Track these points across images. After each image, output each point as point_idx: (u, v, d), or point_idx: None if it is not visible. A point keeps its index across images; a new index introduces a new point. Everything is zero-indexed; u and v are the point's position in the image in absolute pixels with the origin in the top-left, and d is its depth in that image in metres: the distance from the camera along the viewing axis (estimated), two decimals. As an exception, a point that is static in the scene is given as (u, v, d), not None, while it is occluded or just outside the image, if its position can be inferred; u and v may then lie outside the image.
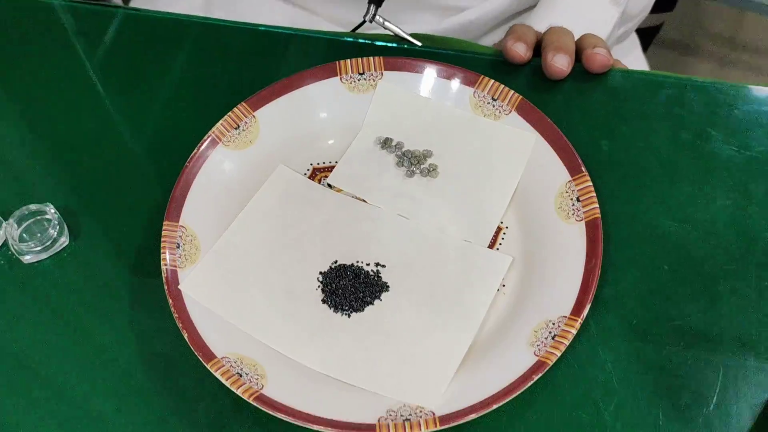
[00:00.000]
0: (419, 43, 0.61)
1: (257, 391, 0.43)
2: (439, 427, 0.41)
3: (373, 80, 0.56)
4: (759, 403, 0.45)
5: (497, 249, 0.51)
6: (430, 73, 0.55)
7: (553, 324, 0.45)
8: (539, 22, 0.67)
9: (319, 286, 0.49)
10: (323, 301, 0.48)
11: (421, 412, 0.43)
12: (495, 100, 0.54)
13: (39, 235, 0.51)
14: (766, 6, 1.37)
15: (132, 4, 0.82)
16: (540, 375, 0.43)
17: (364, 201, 0.53)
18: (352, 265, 0.50)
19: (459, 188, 0.53)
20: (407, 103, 0.56)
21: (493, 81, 0.54)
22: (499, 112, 0.54)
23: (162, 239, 0.48)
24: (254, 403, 0.42)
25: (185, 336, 0.44)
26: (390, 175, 0.54)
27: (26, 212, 0.52)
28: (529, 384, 0.42)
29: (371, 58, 0.56)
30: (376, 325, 0.47)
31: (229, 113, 0.53)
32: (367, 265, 0.50)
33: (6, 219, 0.52)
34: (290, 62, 0.61)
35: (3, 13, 0.66)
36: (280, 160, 0.54)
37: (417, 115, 0.55)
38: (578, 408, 0.45)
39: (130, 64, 0.62)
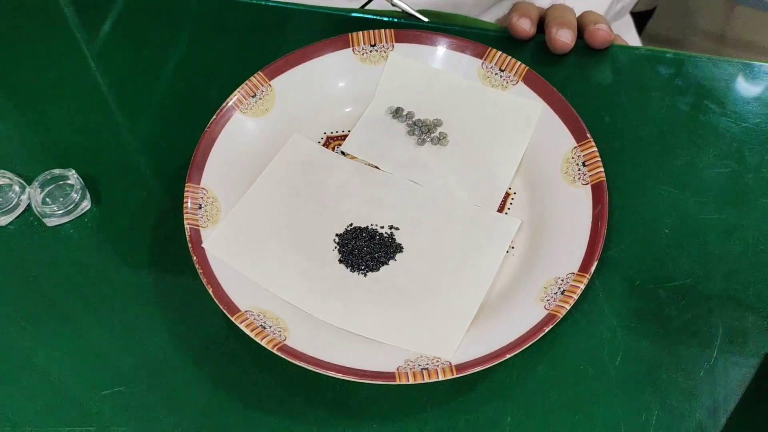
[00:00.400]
0: (426, 19, 0.63)
1: (281, 342, 0.44)
2: (455, 375, 0.43)
3: (385, 52, 0.58)
4: (757, 357, 0.47)
5: (506, 213, 0.53)
6: (440, 45, 0.57)
7: (562, 280, 0.47)
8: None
9: (335, 248, 0.51)
10: (340, 261, 0.50)
11: (437, 361, 0.45)
12: (502, 71, 0.56)
13: (62, 199, 0.52)
14: (753, -2, 1.40)
15: None
16: (551, 327, 0.45)
17: (376, 168, 0.55)
18: (367, 227, 0.52)
19: (468, 156, 0.55)
20: (417, 74, 0.58)
21: (500, 53, 0.56)
22: (507, 82, 0.56)
23: (185, 200, 0.49)
24: (278, 353, 0.44)
25: (210, 291, 0.46)
26: (401, 143, 0.56)
27: (49, 177, 0.53)
28: (541, 336, 0.44)
29: (383, 31, 0.57)
30: (391, 284, 0.49)
31: (246, 82, 0.55)
32: (381, 227, 0.52)
33: (29, 184, 0.53)
34: (299, 37, 0.62)
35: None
36: (295, 128, 0.56)
37: (427, 85, 0.57)
38: (585, 362, 0.47)
39: (144, 37, 0.64)
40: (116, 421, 0.46)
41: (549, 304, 0.46)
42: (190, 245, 0.48)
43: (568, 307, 0.45)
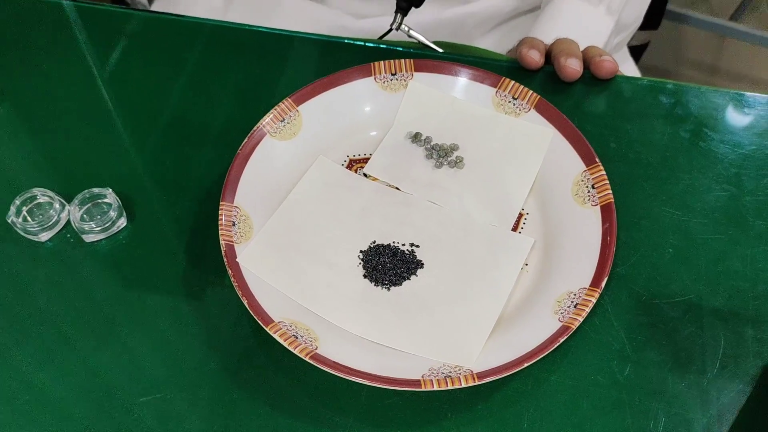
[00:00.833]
0: (441, 50, 0.66)
1: (313, 351, 0.47)
2: (477, 382, 0.46)
3: (404, 80, 0.61)
4: (757, 369, 0.50)
5: (520, 232, 0.56)
6: (457, 74, 0.61)
7: (574, 294, 0.50)
8: (545, 34, 0.73)
9: (360, 263, 0.54)
10: (364, 276, 0.53)
11: (459, 370, 0.47)
12: (515, 99, 0.60)
13: (99, 216, 0.55)
14: (743, 32, 1.46)
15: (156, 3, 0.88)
16: (565, 338, 0.47)
17: (397, 189, 0.58)
18: (389, 245, 0.55)
19: (483, 178, 0.58)
20: (435, 101, 0.61)
21: (513, 82, 0.60)
22: (519, 110, 0.60)
23: (219, 217, 0.52)
24: (310, 361, 0.46)
25: (245, 302, 0.48)
26: (420, 166, 0.59)
27: (87, 195, 0.56)
28: (556, 345, 0.47)
29: (402, 60, 0.61)
30: (413, 297, 0.52)
31: (276, 107, 0.58)
32: (403, 245, 0.55)
33: (69, 202, 0.56)
34: (320, 66, 0.66)
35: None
36: (320, 150, 0.59)
37: (444, 112, 0.61)
38: (595, 372, 0.50)
39: (179, 64, 0.67)
40: (152, 427, 0.48)
41: (563, 316, 0.49)
42: (225, 260, 0.50)
43: (581, 319, 0.48)
